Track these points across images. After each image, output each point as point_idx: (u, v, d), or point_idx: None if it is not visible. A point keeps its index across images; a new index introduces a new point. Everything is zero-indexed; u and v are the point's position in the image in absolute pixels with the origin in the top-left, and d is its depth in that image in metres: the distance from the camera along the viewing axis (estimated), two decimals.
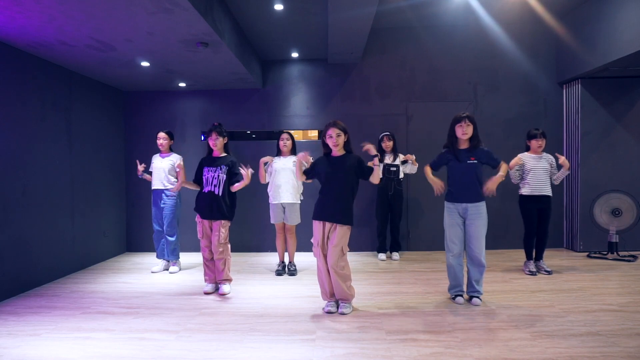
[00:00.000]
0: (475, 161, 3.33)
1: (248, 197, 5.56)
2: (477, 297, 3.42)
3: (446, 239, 3.46)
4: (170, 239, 4.61)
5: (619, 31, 4.41)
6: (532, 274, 4.26)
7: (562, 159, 4.16)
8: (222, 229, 3.72)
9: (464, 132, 3.32)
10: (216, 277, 3.86)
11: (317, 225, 3.27)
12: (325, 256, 3.24)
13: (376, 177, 3.21)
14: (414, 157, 4.98)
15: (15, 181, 3.85)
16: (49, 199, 4.30)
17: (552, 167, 4.29)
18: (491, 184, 3.30)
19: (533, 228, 4.33)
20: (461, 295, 3.47)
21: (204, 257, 3.85)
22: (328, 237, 3.22)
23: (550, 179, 4.29)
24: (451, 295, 3.53)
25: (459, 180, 3.36)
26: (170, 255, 4.65)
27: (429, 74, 5.68)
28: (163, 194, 4.58)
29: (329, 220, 3.21)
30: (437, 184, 3.48)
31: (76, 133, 4.77)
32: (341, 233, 3.17)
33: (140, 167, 4.64)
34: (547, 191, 4.25)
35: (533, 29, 5.60)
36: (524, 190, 4.30)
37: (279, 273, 4.48)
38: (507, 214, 5.58)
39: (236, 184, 3.75)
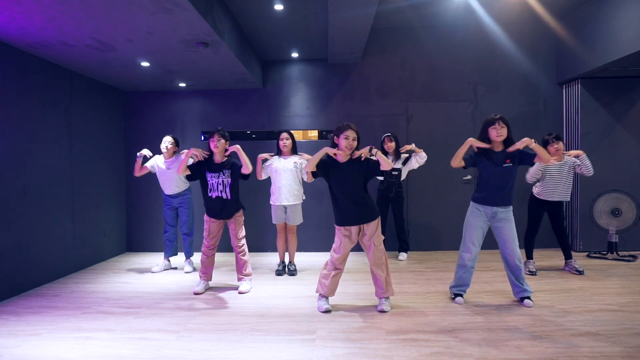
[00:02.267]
0: (512, 164, 3.19)
1: (248, 197, 5.56)
2: (529, 297, 3.33)
3: (465, 239, 3.40)
4: (189, 238, 4.68)
5: (618, 31, 4.41)
6: (531, 273, 4.26)
7: (573, 154, 4.18)
8: (239, 225, 3.83)
9: (498, 133, 3.19)
10: (237, 273, 3.94)
11: (343, 232, 3.24)
12: (345, 258, 3.29)
13: (385, 165, 3.14)
14: (413, 145, 4.79)
15: (16, 181, 3.85)
16: (49, 199, 4.30)
17: (575, 168, 4.20)
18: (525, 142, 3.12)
19: (536, 228, 4.33)
20: (461, 295, 3.48)
21: (203, 254, 3.90)
22: (362, 235, 3.25)
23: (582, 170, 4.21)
24: (452, 293, 3.52)
25: (493, 184, 3.25)
26: (188, 254, 4.70)
27: (429, 74, 5.68)
28: (179, 197, 4.62)
29: (358, 224, 3.22)
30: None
31: (76, 133, 4.77)
32: (374, 229, 3.21)
33: (142, 152, 4.50)
34: (563, 197, 4.20)
35: (533, 29, 5.60)
36: (540, 195, 4.27)
37: (279, 273, 4.48)
38: None
39: (242, 169, 3.69)
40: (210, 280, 4.00)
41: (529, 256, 4.38)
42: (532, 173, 4.24)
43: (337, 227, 3.28)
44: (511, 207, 3.33)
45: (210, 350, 2.62)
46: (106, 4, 3.01)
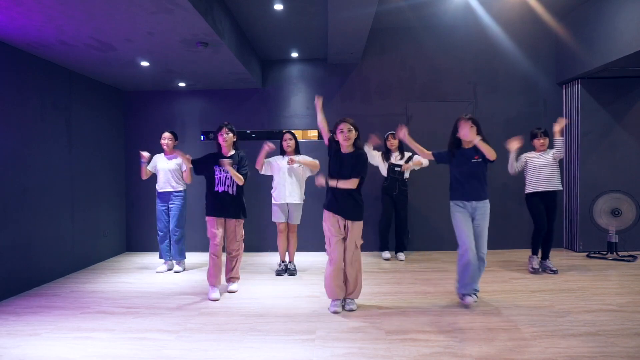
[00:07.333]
0: (480, 159, 3.39)
1: (248, 197, 5.55)
2: (475, 294, 3.42)
3: (461, 237, 3.34)
4: (177, 238, 4.62)
5: (618, 31, 4.41)
6: (535, 271, 4.27)
7: (558, 127, 4.19)
8: (238, 227, 3.79)
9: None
10: (225, 275, 3.88)
11: (331, 218, 3.26)
12: (343, 252, 3.27)
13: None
14: (411, 164, 4.96)
15: (15, 181, 3.85)
16: (49, 199, 4.30)
17: (555, 156, 4.25)
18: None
19: (543, 224, 4.31)
20: (470, 295, 3.35)
21: (211, 260, 3.70)
22: (346, 233, 3.28)
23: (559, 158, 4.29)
24: (460, 294, 3.39)
25: (466, 179, 3.40)
26: (177, 255, 4.65)
27: (429, 74, 5.68)
28: (171, 195, 4.60)
29: (345, 217, 3.26)
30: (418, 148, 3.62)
31: (76, 133, 4.77)
32: (357, 229, 3.27)
33: (145, 154, 4.56)
34: (554, 186, 4.26)
35: (533, 29, 5.60)
36: (529, 188, 4.34)
37: (279, 273, 4.48)
38: (508, 215, 5.58)
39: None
40: (220, 284, 3.83)
41: (534, 252, 4.39)
42: (510, 165, 4.31)
43: (327, 214, 3.29)
44: (488, 201, 3.41)
45: (209, 350, 2.62)
46: (106, 4, 3.01)
